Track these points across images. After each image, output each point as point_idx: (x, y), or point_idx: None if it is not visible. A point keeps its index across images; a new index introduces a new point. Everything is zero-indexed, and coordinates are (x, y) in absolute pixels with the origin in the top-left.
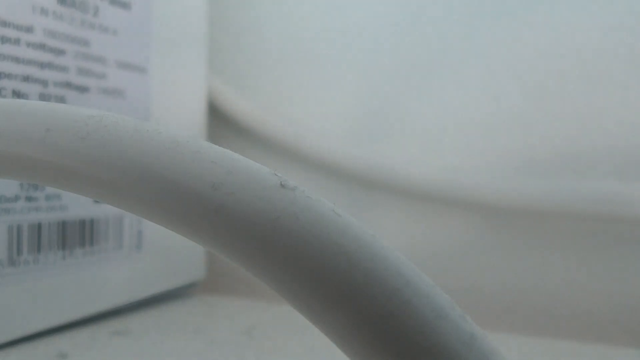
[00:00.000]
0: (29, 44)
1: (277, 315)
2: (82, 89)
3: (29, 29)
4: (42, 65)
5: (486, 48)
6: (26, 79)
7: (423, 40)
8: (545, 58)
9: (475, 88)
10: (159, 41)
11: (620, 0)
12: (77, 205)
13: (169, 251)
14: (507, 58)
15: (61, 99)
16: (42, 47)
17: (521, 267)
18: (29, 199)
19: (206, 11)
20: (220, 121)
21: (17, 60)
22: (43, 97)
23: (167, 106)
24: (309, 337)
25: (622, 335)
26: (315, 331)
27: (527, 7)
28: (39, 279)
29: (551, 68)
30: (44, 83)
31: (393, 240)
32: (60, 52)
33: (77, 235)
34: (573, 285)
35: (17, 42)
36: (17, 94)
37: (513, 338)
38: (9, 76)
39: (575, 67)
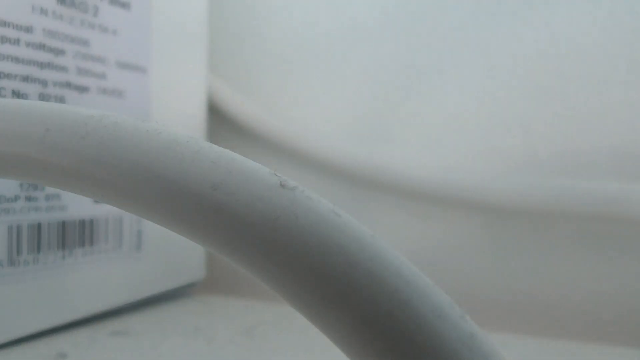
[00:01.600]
0: (28, 44)
1: (277, 315)
2: (82, 89)
3: (28, 29)
4: (42, 65)
5: (486, 48)
6: (26, 79)
7: (423, 40)
8: (545, 58)
9: (475, 88)
10: (159, 41)
11: (620, 0)
12: (77, 205)
13: (168, 251)
14: (507, 58)
15: (61, 99)
16: (41, 47)
17: (521, 266)
18: (28, 199)
19: (206, 11)
20: (220, 121)
21: (17, 60)
22: (43, 97)
23: (167, 106)
24: (309, 337)
25: (622, 335)
26: (315, 331)
27: (527, 7)
28: (39, 279)
29: (551, 68)
30: (43, 83)
31: (393, 240)
32: (59, 52)
33: (77, 235)
34: (573, 285)
35: (16, 42)
36: (17, 94)
37: (513, 338)
38: (8, 76)
39: (575, 67)
